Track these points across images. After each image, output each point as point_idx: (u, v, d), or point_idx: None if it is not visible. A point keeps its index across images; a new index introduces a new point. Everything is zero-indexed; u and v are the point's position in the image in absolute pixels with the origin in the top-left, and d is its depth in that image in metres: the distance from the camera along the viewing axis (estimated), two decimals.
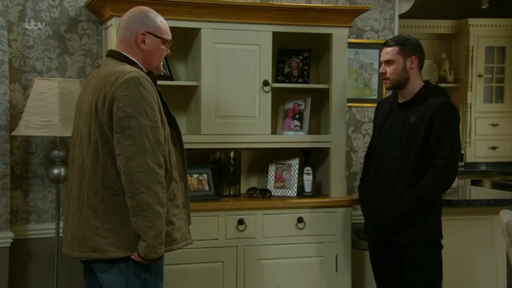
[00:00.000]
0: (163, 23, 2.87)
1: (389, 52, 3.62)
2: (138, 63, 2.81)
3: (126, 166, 2.59)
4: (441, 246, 3.63)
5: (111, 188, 2.66)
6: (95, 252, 2.67)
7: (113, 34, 3.48)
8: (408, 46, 3.60)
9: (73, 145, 2.84)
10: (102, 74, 2.75)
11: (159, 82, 3.80)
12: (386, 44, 3.67)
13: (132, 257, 2.66)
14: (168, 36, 2.89)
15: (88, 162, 2.70)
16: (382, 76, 3.71)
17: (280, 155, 4.23)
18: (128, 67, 2.73)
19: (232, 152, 4.11)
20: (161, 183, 2.64)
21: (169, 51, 2.93)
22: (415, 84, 3.62)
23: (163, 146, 2.68)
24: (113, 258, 2.66)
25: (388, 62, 3.62)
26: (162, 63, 2.94)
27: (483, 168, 7.13)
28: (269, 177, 4.23)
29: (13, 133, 3.75)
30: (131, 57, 2.80)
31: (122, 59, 2.80)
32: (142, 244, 2.62)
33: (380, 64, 3.73)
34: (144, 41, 2.81)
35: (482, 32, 7.05)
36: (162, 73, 3.92)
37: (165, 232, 2.66)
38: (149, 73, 2.81)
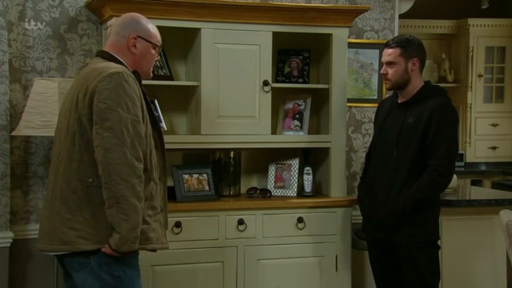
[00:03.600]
0: (154, 29, 2.91)
1: (390, 53, 3.59)
2: (125, 63, 2.82)
3: (104, 157, 2.57)
4: (438, 247, 3.62)
5: (84, 180, 2.64)
6: (65, 245, 2.63)
7: None
8: (410, 48, 3.57)
9: (54, 140, 2.84)
10: (86, 71, 2.78)
11: (159, 82, 3.84)
12: (387, 45, 3.63)
13: (103, 249, 2.61)
14: (159, 41, 2.93)
15: (64, 154, 2.69)
16: (383, 77, 3.70)
17: (280, 155, 4.23)
18: (113, 64, 2.76)
19: (232, 152, 4.11)
20: (139, 176, 2.62)
21: (158, 56, 2.95)
22: (416, 84, 3.61)
23: (143, 141, 2.67)
24: (83, 251, 2.62)
25: (389, 64, 3.60)
26: (151, 68, 2.95)
27: (483, 168, 7.13)
28: (269, 177, 4.22)
29: (13, 133, 3.75)
30: (118, 57, 2.82)
31: (109, 57, 2.82)
32: (115, 236, 2.58)
33: (381, 64, 3.72)
34: (135, 45, 2.84)
35: (482, 32, 7.05)
36: (162, 73, 3.94)
37: (140, 228, 2.62)
38: (134, 72, 2.81)
